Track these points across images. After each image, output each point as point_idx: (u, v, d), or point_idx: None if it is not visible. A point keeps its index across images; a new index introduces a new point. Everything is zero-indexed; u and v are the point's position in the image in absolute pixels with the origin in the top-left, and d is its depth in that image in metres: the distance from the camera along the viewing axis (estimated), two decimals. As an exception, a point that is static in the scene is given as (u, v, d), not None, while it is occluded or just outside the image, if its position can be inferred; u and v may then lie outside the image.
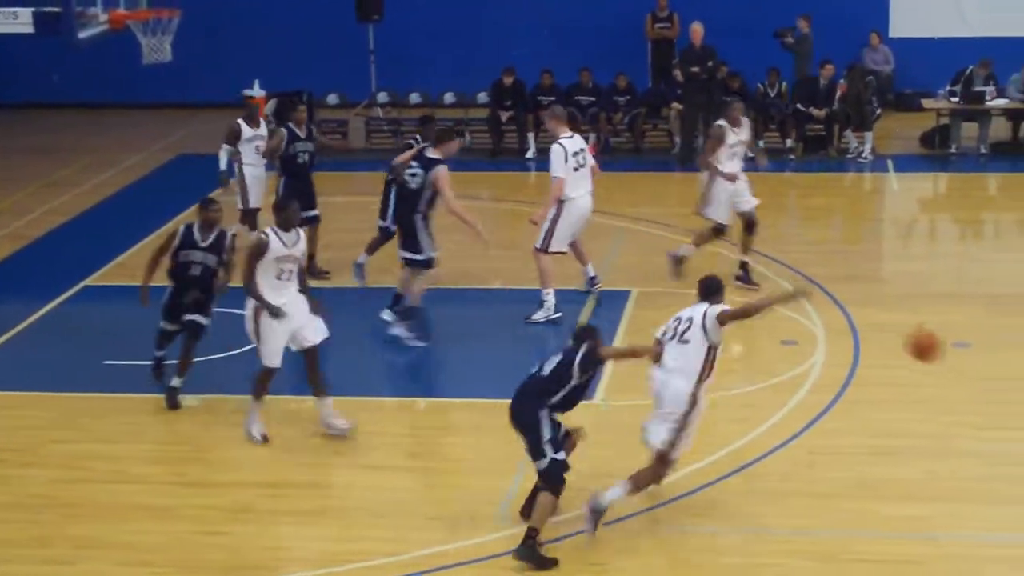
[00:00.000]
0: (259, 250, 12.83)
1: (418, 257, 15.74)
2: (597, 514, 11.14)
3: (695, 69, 24.82)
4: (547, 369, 11.25)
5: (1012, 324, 16.03)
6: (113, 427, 13.78)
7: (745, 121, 17.60)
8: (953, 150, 25.27)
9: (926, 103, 26.12)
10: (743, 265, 17.61)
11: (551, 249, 16.50)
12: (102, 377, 14.98)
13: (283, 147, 17.66)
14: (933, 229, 21.71)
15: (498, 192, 23.38)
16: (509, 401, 11.24)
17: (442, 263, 16.07)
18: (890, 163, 24.75)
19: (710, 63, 24.92)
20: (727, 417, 13.59)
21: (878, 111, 26.01)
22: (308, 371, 13.21)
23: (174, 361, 14.18)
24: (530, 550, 10.87)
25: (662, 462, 11.41)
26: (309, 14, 29.11)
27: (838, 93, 25.38)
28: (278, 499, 12.26)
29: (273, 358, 13.01)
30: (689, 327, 11.31)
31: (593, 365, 11.21)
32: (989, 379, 14.55)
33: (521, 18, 28.53)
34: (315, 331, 13.11)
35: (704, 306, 11.42)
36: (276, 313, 12.73)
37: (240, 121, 18.47)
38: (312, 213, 17.66)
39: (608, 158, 23.65)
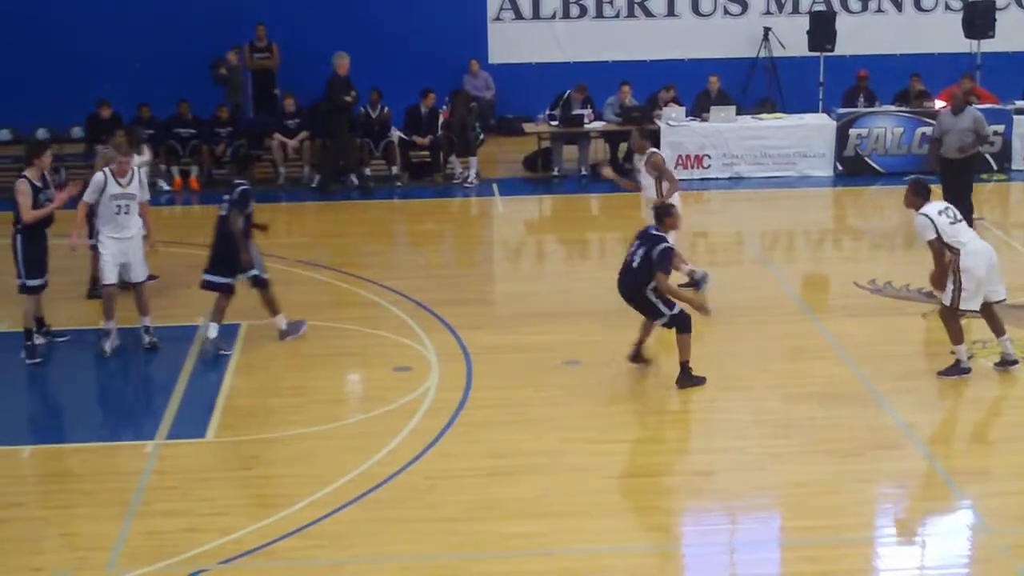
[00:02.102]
0: None
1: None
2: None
3: (349, 98, 24.55)
4: (636, 262, 14.68)
5: (621, 340, 16.34)
6: None
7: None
8: (555, 172, 25.86)
9: (527, 127, 26.67)
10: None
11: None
12: None
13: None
14: (540, 250, 22.08)
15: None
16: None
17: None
18: (495, 187, 25.10)
19: (354, 92, 24.71)
20: (342, 446, 13.45)
21: (481, 136, 26.39)
22: None
23: None
24: (688, 376, 14.76)
25: (952, 314, 14.77)
26: None
27: (441, 120, 25.63)
28: None
29: None
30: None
31: (665, 268, 14.54)
32: (599, 394, 14.81)
33: (115, 49, 27.69)
34: None
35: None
36: None
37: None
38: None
39: (211, 191, 23.22)
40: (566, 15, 29.65)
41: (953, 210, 14.91)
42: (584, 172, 25.85)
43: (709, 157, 25.39)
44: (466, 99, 26.38)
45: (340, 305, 17.84)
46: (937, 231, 14.59)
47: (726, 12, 29.73)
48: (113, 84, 26.26)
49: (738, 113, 25.97)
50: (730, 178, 25.32)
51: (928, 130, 24.92)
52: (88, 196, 16.16)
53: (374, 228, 22.32)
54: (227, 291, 16.13)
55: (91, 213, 16.30)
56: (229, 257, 16.07)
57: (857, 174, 25.34)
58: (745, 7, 29.67)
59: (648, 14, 29.73)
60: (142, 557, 11.26)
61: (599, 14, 29.68)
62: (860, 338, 16.32)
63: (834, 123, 25.66)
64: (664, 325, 14.96)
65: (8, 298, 17.65)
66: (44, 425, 14.63)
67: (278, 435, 13.77)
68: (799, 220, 23.39)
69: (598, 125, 26.01)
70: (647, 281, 14.68)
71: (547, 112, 26.22)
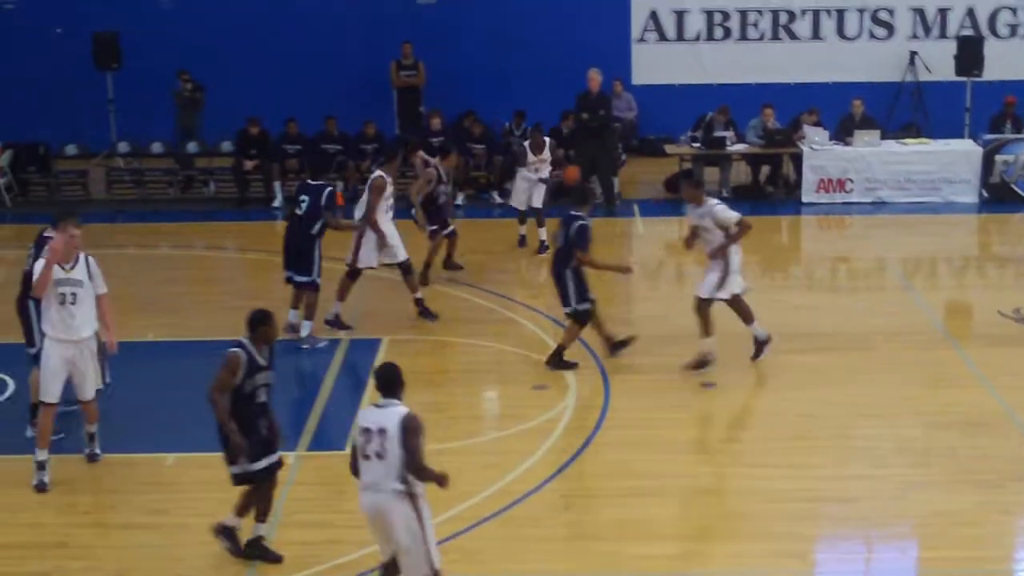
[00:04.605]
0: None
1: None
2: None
3: (585, 116, 24.79)
4: (560, 244, 15.95)
5: (757, 364, 16.31)
6: None
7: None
8: (696, 194, 25.75)
9: (669, 148, 26.63)
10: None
11: None
12: None
13: None
14: (679, 272, 22.02)
15: (245, 242, 23.01)
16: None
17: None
18: (636, 207, 25.10)
19: (601, 112, 24.89)
20: (481, 463, 13.54)
21: (623, 157, 26.41)
22: None
23: None
24: (560, 359, 16.07)
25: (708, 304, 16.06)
26: (46, 63, 28.23)
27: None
28: (22, 562, 11.82)
29: None
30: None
31: (585, 243, 15.74)
32: (735, 418, 14.78)
33: (265, 66, 28.20)
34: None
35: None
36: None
37: None
38: None
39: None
40: (710, 37, 29.58)
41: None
42: (725, 195, 25.75)
43: (851, 181, 25.16)
44: (613, 120, 26.39)
45: (478, 322, 17.96)
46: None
47: (872, 35, 29.47)
48: (263, 100, 26.69)
49: (882, 137, 25.71)
50: (872, 203, 25.07)
51: (1077, 158, 24.63)
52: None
53: (514, 246, 22.39)
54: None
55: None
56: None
57: (1003, 201, 24.97)
58: (891, 31, 29.39)
59: (792, 36, 29.57)
60: (282, 567, 11.43)
61: (743, 36, 29.58)
62: (1004, 367, 16.09)
63: (980, 149, 25.31)
64: (567, 314, 16.12)
65: (154, 309, 18.13)
66: (189, 434, 14.82)
67: (417, 450, 13.91)
68: (942, 247, 23.09)
69: (740, 147, 25.90)
70: (568, 262, 15.87)
71: (689, 133, 26.17)
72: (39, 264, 13.03)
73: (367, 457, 10.05)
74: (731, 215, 15.84)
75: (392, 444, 9.97)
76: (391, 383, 10.30)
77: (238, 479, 11.48)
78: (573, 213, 16.09)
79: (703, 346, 15.99)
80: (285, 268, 17.38)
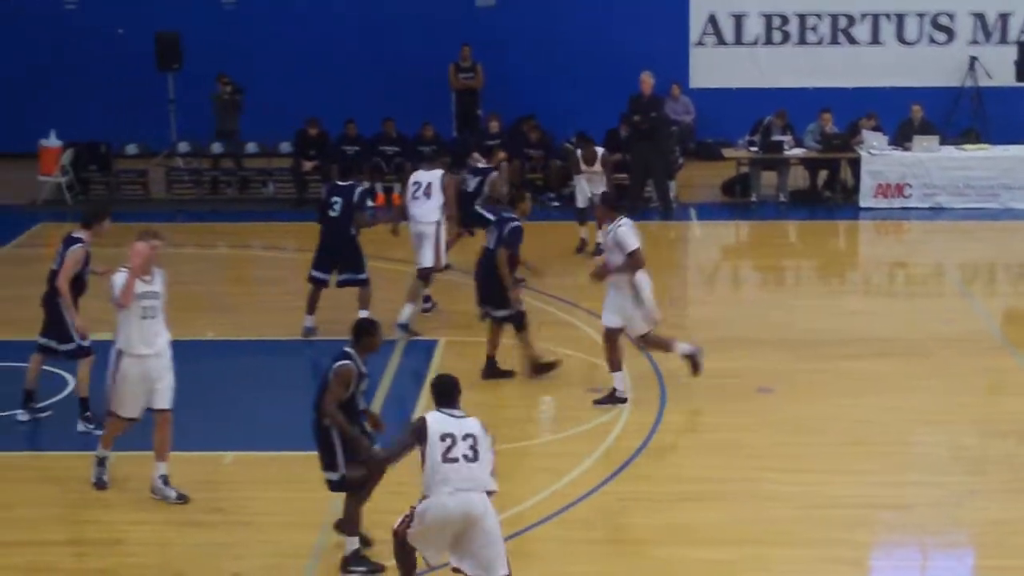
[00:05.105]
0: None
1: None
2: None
3: (637, 118, 24.78)
4: (492, 244, 15.67)
5: (813, 368, 16.29)
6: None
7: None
8: (753, 198, 25.75)
9: (726, 152, 26.63)
10: None
11: None
12: None
13: None
14: (735, 276, 22.02)
15: (303, 242, 23.09)
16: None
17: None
18: (693, 211, 25.07)
19: (653, 114, 24.87)
20: (535, 466, 13.59)
21: (680, 160, 26.39)
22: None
23: None
24: (535, 366, 15.89)
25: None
26: (108, 63, 28.52)
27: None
28: (80, 558, 11.94)
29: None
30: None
31: (514, 244, 15.62)
32: (792, 423, 14.74)
33: (324, 67, 28.38)
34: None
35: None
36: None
37: None
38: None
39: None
40: (768, 40, 29.54)
41: None
42: (783, 199, 25.69)
43: (910, 187, 25.05)
44: (666, 123, 26.40)
45: (534, 323, 17.93)
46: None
47: (931, 40, 29.34)
48: (321, 101, 26.84)
49: (941, 143, 25.57)
50: (931, 208, 24.95)
51: None
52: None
53: (564, 253, 22.36)
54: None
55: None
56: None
57: (1063, 208, 24.84)
58: (951, 35, 29.25)
59: (851, 41, 29.49)
60: (333, 569, 11.48)
61: (802, 40, 29.52)
62: (1063, 376, 16.02)
63: (1040, 155, 25.17)
64: (503, 319, 15.84)
65: (213, 308, 18.28)
66: (249, 432, 14.90)
67: (472, 452, 13.94)
68: (1001, 253, 22.96)
69: (798, 152, 25.83)
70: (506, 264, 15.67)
71: (747, 137, 26.13)
72: (120, 276, 12.69)
73: (453, 460, 10.28)
74: (629, 241, 14.88)
75: (483, 447, 10.38)
76: (450, 394, 10.61)
77: (336, 486, 11.47)
78: (506, 215, 16.10)
79: (694, 352, 15.70)
80: (318, 270, 17.48)
